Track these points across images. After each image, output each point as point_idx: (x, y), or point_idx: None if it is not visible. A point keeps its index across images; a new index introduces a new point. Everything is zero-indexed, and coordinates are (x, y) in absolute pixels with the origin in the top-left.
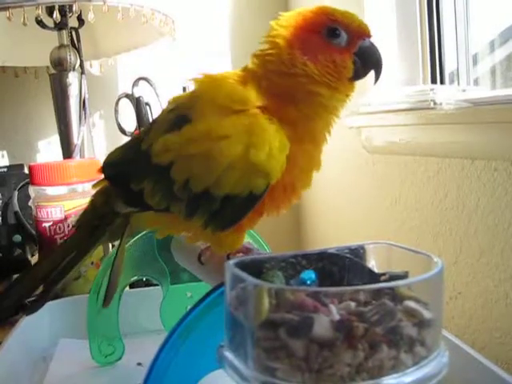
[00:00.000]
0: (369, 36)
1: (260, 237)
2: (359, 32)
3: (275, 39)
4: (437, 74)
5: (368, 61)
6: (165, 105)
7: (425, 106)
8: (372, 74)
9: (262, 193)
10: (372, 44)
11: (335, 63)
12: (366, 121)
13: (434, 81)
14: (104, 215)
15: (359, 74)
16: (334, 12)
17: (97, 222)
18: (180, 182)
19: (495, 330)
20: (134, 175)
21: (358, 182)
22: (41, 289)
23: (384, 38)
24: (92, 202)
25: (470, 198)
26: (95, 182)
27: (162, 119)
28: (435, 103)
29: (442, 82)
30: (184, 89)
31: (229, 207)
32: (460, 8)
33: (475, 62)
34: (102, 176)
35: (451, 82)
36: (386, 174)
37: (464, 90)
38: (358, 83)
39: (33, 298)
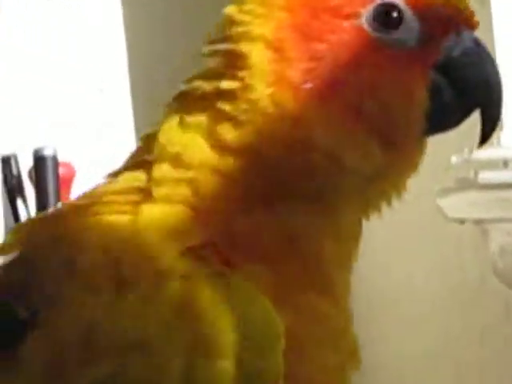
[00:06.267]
0: (471, 26)
1: None
2: (449, 16)
3: (239, 47)
4: None
5: (467, 83)
6: None
7: None
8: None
9: None
10: (478, 45)
11: (393, 91)
12: (497, 207)
13: None
14: None
15: (445, 117)
16: None
17: None
18: None
19: None
20: None
21: (493, 353)
22: None
23: None
24: None
25: None
26: None
27: None
28: None
29: None
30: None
31: None
32: None
33: None
34: None
35: None
36: None
37: None
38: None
39: None
